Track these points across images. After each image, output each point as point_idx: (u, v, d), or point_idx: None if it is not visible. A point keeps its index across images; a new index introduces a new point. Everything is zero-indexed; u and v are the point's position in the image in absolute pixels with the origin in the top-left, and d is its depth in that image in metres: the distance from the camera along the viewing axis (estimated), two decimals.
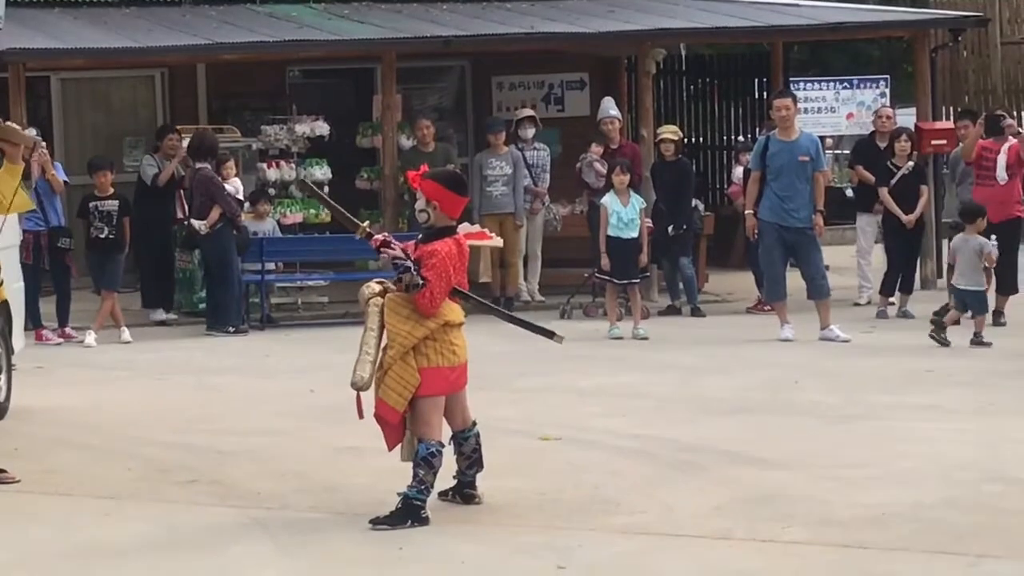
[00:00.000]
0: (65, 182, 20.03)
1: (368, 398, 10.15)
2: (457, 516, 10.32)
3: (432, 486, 10.07)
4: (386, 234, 10.41)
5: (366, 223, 11.03)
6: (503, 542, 9.73)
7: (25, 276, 16.72)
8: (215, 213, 19.41)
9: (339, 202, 22.15)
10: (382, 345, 10.11)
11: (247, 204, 20.88)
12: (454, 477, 10.55)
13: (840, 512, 10.38)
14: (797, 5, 28.56)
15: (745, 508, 10.53)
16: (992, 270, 19.93)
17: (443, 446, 10.17)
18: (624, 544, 9.71)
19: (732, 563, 9.31)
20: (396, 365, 10.00)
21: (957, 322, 18.66)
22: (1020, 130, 21.38)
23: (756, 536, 9.84)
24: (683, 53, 26.97)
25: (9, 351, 14.33)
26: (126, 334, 19.35)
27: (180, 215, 20.52)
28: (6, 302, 14.19)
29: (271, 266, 20.95)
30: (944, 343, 17.77)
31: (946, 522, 10.08)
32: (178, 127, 21.61)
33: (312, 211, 22.43)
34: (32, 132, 20.07)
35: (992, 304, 20.07)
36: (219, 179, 19.77)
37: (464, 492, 10.49)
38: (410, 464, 10.08)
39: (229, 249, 19.77)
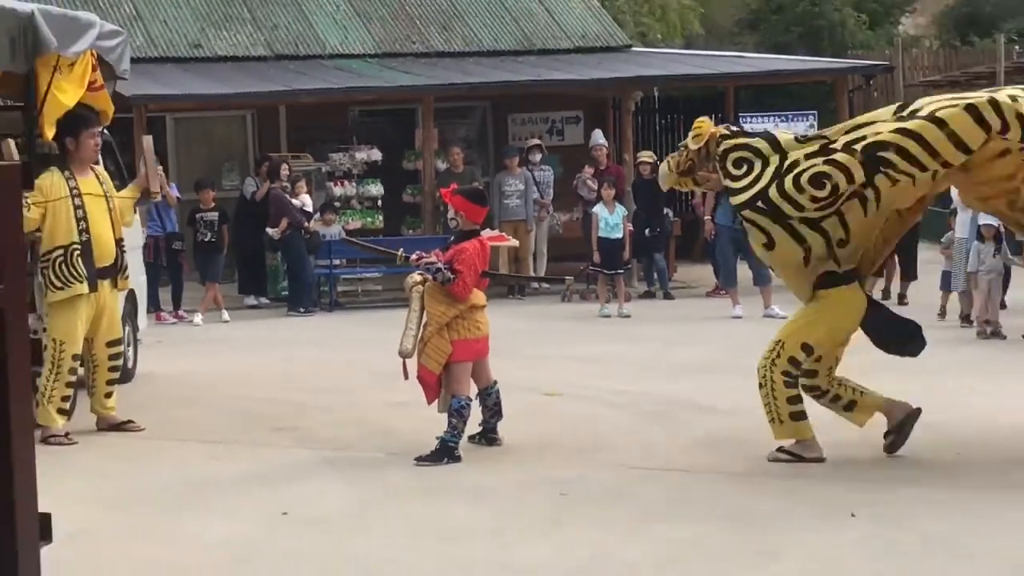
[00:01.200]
0: (178, 198, 20.10)
1: (411, 364, 10.34)
2: (483, 455, 10.38)
3: (463, 432, 10.20)
4: (418, 252, 10.53)
5: (400, 250, 11.15)
6: (518, 476, 9.76)
7: (147, 271, 16.81)
8: (284, 223, 19.57)
9: (389, 212, 22.48)
10: (423, 322, 10.25)
11: (317, 214, 20.99)
12: (480, 425, 10.64)
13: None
14: (744, 57, 28.63)
15: (705, 447, 10.58)
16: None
17: (471, 400, 10.32)
18: (611, 476, 9.76)
19: (695, 486, 9.37)
20: (434, 338, 10.18)
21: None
22: None
23: (714, 468, 9.88)
24: (656, 95, 26.88)
25: (135, 329, 14.36)
26: (225, 315, 19.44)
27: None
28: (132, 291, 14.21)
29: (337, 262, 21.01)
30: None
31: (859, 457, 10.09)
32: (276, 156, 21.66)
33: (369, 220, 22.50)
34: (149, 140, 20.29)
35: (897, 288, 20.12)
36: (287, 197, 19.91)
37: (488, 436, 10.64)
38: (445, 415, 10.20)
39: (300, 249, 19.92)
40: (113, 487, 9.55)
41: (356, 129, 23.46)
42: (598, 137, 22.59)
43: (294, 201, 20.09)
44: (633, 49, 26.90)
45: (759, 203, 9.99)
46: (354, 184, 22.57)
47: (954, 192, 18.74)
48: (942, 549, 7.75)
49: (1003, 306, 17.60)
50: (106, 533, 8.25)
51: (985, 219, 17.28)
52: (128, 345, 14.11)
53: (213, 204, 20.09)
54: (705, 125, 10.70)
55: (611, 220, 19.76)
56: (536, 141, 23.00)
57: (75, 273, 10.70)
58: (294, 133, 23.34)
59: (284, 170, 20.42)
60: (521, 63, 24.52)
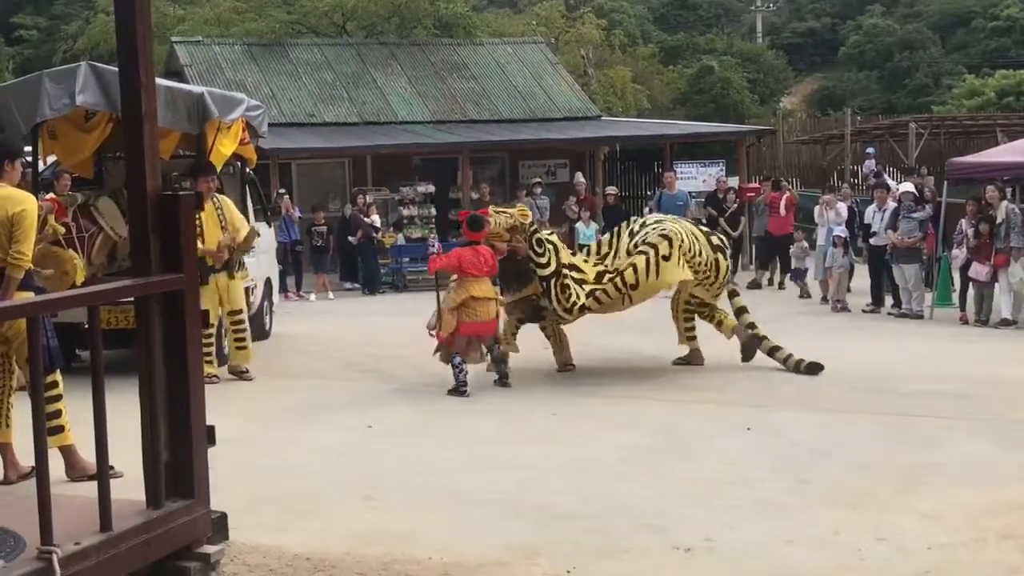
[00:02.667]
0: (299, 216, 20.09)
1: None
2: (498, 389, 10.30)
3: (462, 378, 9.92)
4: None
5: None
6: (523, 401, 9.72)
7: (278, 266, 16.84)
8: (360, 233, 19.53)
9: (440, 226, 22.47)
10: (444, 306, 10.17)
11: (391, 228, 21.09)
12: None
13: (697, 383, 10.39)
14: (676, 123, 28.51)
15: (648, 382, 10.52)
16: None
17: (463, 361, 10.02)
18: (587, 401, 9.70)
19: (642, 409, 9.32)
20: (446, 315, 10.06)
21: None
22: (790, 188, 21.37)
23: (653, 397, 9.83)
24: (618, 148, 26.79)
25: (271, 303, 14.36)
26: (330, 295, 19.38)
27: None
28: (269, 278, 14.23)
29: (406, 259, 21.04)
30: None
31: (754, 390, 10.02)
32: (356, 188, 21.65)
33: (427, 231, 22.47)
34: (283, 191, 20.23)
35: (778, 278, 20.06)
36: (361, 216, 19.83)
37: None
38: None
39: (370, 251, 19.87)
40: (253, 409, 9.52)
41: (418, 171, 23.36)
42: (579, 177, 22.51)
43: (367, 219, 20.06)
44: (602, 118, 26.80)
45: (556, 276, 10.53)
46: (416, 207, 22.53)
47: (816, 211, 18.76)
48: (807, 450, 7.72)
49: (849, 290, 17.57)
50: (249, 439, 8.23)
51: (838, 231, 17.25)
52: (266, 315, 14.12)
53: (323, 221, 20.06)
54: (527, 214, 10.82)
55: (587, 232, 19.79)
56: (537, 180, 22.84)
57: None
58: (377, 174, 23.28)
59: (360, 199, 20.42)
60: (528, 127, 24.39)
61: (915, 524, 6.01)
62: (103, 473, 4.87)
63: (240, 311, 11.03)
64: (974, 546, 5.66)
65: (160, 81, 11.33)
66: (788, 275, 19.73)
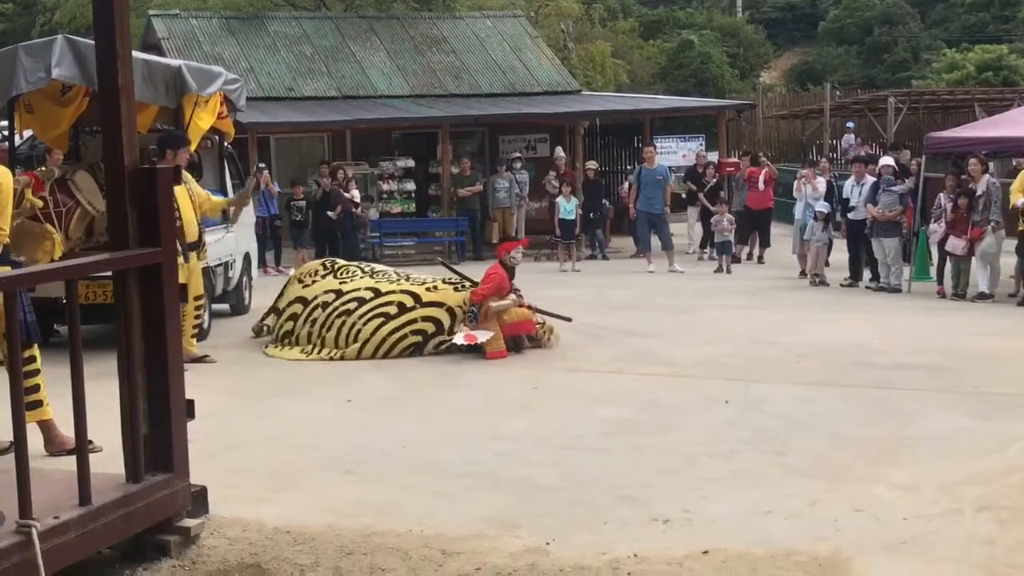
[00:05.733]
0: (278, 191, 20.00)
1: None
2: (480, 361, 10.31)
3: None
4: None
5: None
6: (503, 375, 9.72)
7: (257, 240, 16.71)
8: (339, 208, 19.47)
9: (419, 201, 22.42)
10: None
11: (370, 202, 21.05)
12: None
13: (677, 358, 10.38)
14: (656, 98, 28.50)
15: (629, 357, 10.54)
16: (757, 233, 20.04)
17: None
18: (568, 376, 9.71)
19: (623, 384, 9.33)
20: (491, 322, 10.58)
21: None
22: (769, 163, 21.42)
23: (636, 371, 9.86)
24: (598, 123, 26.73)
25: (250, 278, 14.30)
26: None
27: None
28: (248, 253, 14.17)
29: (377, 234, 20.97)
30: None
31: (732, 364, 10.08)
32: (335, 163, 21.56)
33: (405, 206, 22.47)
34: (262, 165, 20.11)
35: (757, 252, 20.12)
36: (340, 190, 19.76)
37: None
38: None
39: (350, 226, 19.77)
40: (233, 383, 9.50)
41: (397, 146, 23.29)
42: (559, 152, 22.47)
43: (346, 194, 19.98)
44: (582, 93, 26.75)
45: None
46: (396, 182, 22.53)
47: (794, 186, 18.81)
48: (785, 423, 7.74)
49: (827, 264, 17.64)
50: (229, 413, 8.23)
51: (819, 206, 17.30)
52: (246, 289, 14.07)
53: (301, 196, 19.89)
54: None
55: (567, 207, 19.74)
56: (517, 154, 22.84)
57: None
58: (356, 148, 23.14)
59: (340, 173, 20.31)
60: (508, 101, 24.29)
61: (892, 495, 6.05)
62: (82, 447, 4.87)
63: (203, 296, 10.85)
64: (950, 517, 5.70)
65: (137, 54, 11.24)
66: (756, 249, 19.92)
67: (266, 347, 11.19)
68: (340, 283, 11.26)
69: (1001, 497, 5.97)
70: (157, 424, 5.25)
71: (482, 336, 10.36)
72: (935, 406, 8.22)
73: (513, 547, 5.35)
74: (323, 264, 11.92)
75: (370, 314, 10.68)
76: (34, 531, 4.43)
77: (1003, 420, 7.72)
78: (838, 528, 5.56)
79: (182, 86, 10.81)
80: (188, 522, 5.40)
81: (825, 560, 5.13)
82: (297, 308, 11.25)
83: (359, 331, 10.61)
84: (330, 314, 10.86)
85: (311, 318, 10.99)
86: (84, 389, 4.87)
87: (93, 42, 5.36)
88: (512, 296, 10.76)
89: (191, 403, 5.49)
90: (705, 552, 5.23)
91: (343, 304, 10.87)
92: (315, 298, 11.14)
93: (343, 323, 10.72)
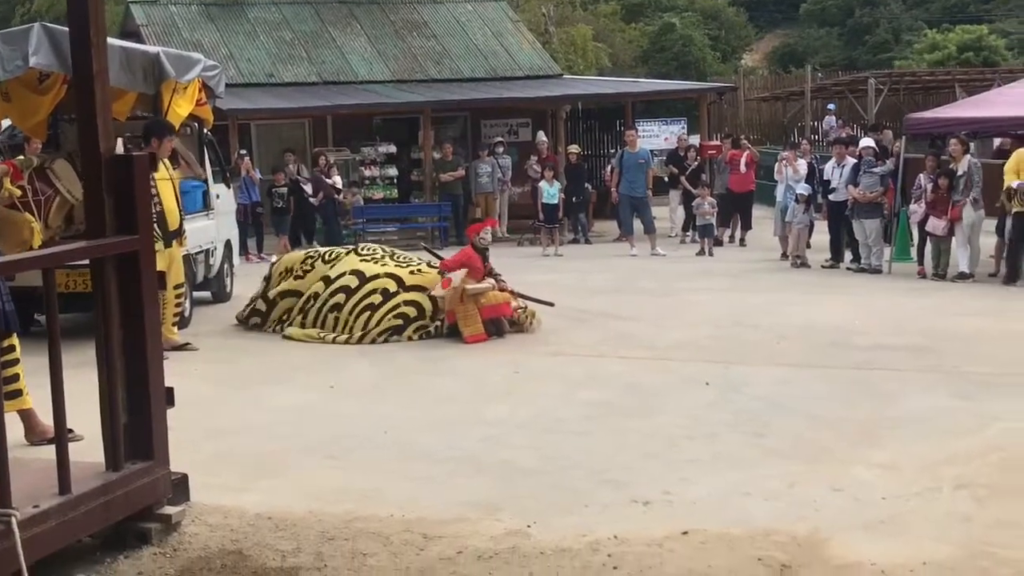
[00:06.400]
0: (259, 178, 19.94)
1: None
2: (463, 346, 10.33)
3: None
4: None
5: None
6: (486, 360, 9.74)
7: (238, 227, 16.70)
8: (321, 194, 19.43)
9: (401, 187, 22.37)
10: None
11: (353, 188, 21.02)
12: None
13: (659, 341, 10.41)
14: (637, 81, 28.47)
15: (611, 340, 10.56)
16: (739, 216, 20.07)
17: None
18: (550, 360, 9.73)
19: (605, 367, 9.36)
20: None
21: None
22: (750, 146, 21.46)
23: (617, 354, 9.88)
24: (580, 107, 26.69)
25: (232, 265, 14.27)
26: None
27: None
28: (229, 240, 14.14)
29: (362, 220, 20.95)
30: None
31: (713, 346, 10.12)
32: (316, 149, 21.53)
33: (388, 192, 22.42)
34: (243, 152, 20.05)
35: (739, 234, 20.16)
36: (323, 176, 19.71)
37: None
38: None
39: (332, 212, 19.74)
40: (216, 371, 9.50)
41: (379, 131, 23.22)
42: (541, 136, 22.42)
43: (328, 180, 19.94)
44: (564, 76, 26.72)
45: None
46: (378, 168, 22.46)
47: (776, 168, 18.83)
48: (765, 405, 7.80)
49: (809, 246, 17.68)
50: (212, 400, 8.23)
51: (800, 188, 17.32)
52: (227, 277, 14.03)
53: (283, 182, 19.74)
54: None
55: (550, 191, 19.71)
56: (499, 139, 22.80)
57: (155, 235, 10.12)
58: (337, 134, 23.07)
59: (322, 160, 20.26)
60: (489, 86, 24.25)
61: (871, 475, 6.09)
62: (61, 436, 4.86)
63: (183, 284, 10.79)
64: (929, 496, 5.74)
65: (115, 41, 11.20)
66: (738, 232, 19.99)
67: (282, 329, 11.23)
68: (329, 267, 11.25)
69: (979, 476, 6.02)
70: (136, 412, 5.24)
71: (457, 277, 10.55)
72: (915, 386, 8.26)
73: (495, 530, 5.37)
74: (311, 256, 11.78)
75: (358, 307, 10.73)
76: (13, 520, 4.43)
77: (983, 399, 7.77)
78: (817, 508, 5.59)
79: (160, 73, 10.76)
80: (169, 510, 5.40)
81: (804, 540, 5.16)
82: (291, 302, 11.26)
83: (350, 325, 10.70)
84: (321, 307, 10.93)
85: (304, 309, 11.06)
86: (62, 377, 4.86)
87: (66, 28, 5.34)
88: (490, 280, 10.76)
89: (170, 391, 5.49)
90: (685, 533, 5.25)
91: (332, 296, 10.91)
92: (308, 289, 11.18)
93: (335, 319, 10.80)
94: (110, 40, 11.06)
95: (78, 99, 5.18)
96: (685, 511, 5.59)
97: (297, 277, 11.46)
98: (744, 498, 5.78)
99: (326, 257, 11.55)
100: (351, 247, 11.88)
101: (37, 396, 6.81)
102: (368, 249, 11.66)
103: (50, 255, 5.09)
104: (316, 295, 11.06)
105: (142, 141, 9.90)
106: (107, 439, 5.19)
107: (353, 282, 10.91)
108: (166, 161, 10.26)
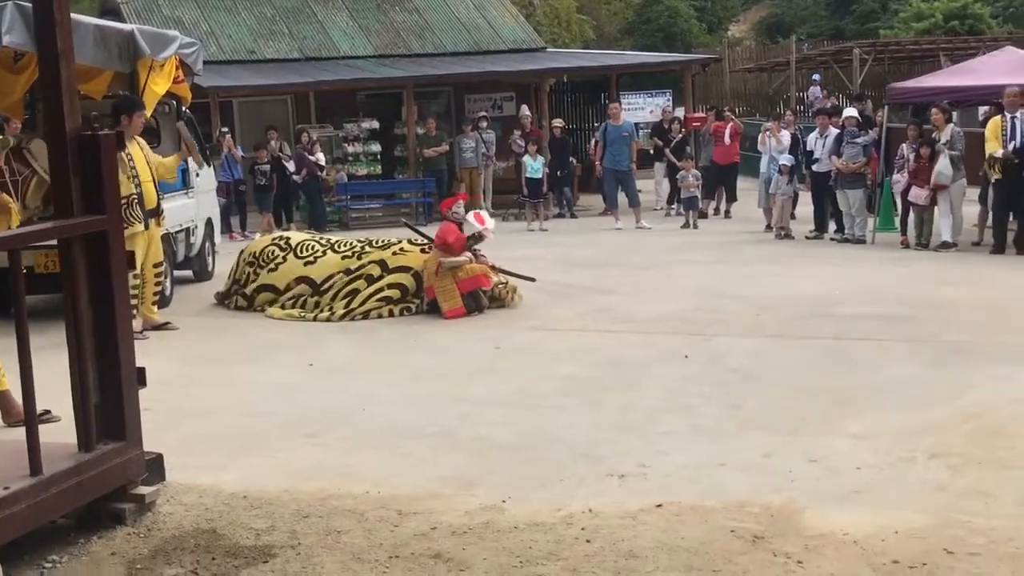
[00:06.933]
0: (242, 156, 19.87)
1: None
2: (443, 323, 10.33)
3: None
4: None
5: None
6: (466, 336, 9.75)
7: (221, 206, 16.67)
8: (304, 171, 19.38)
9: (385, 163, 22.32)
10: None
11: (337, 165, 20.99)
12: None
13: (641, 314, 10.42)
14: (622, 54, 28.40)
15: (593, 315, 10.55)
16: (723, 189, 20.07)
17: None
18: (531, 335, 9.74)
19: (585, 341, 9.37)
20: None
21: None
22: (734, 117, 21.45)
23: (597, 329, 9.88)
24: (566, 80, 26.62)
25: (213, 244, 14.24)
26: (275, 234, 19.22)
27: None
28: (210, 219, 14.10)
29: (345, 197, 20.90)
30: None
31: (694, 318, 10.12)
32: (299, 126, 21.48)
33: (371, 168, 22.37)
34: (225, 129, 19.96)
35: (724, 206, 20.17)
36: (306, 154, 19.65)
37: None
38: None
39: (315, 189, 19.72)
40: (194, 350, 9.50)
41: (362, 107, 23.14)
42: (524, 110, 22.33)
43: (311, 157, 19.88)
44: (547, 50, 26.66)
45: None
46: (361, 144, 22.40)
47: (759, 139, 18.83)
48: (743, 376, 7.80)
49: (793, 217, 17.72)
50: (189, 380, 8.22)
51: (783, 159, 17.33)
52: (209, 255, 14.00)
53: (266, 159, 19.69)
54: None
55: (534, 166, 19.72)
56: (483, 113, 22.72)
57: (135, 215, 9.95)
58: (320, 110, 22.98)
59: (304, 137, 20.21)
60: (473, 60, 24.19)
61: (846, 445, 6.11)
62: (31, 418, 4.84)
63: (163, 263, 10.69)
64: (903, 465, 5.76)
65: (89, 19, 11.16)
66: (721, 204, 19.99)
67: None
68: (305, 264, 11.17)
69: (954, 444, 6.04)
70: (108, 392, 5.22)
71: (489, 222, 10.89)
72: (893, 355, 8.29)
73: (469, 505, 5.37)
74: (277, 244, 11.54)
75: (342, 292, 10.75)
76: None
77: (958, 367, 7.79)
78: (792, 479, 5.61)
79: (135, 50, 10.69)
80: (143, 490, 5.39)
81: (778, 511, 5.17)
82: (268, 296, 11.22)
83: (331, 307, 10.75)
84: (306, 300, 10.96)
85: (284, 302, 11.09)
86: (31, 359, 4.84)
87: None
88: (467, 254, 10.73)
89: (142, 371, 5.47)
90: (659, 505, 5.26)
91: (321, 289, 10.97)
92: (287, 287, 11.15)
93: (316, 302, 10.86)
94: (84, 18, 11.04)
95: (43, 78, 5.15)
96: (660, 484, 5.61)
97: (271, 270, 11.27)
98: (719, 470, 5.79)
99: (299, 252, 11.30)
100: (325, 242, 11.61)
101: (12, 379, 6.81)
102: (344, 245, 11.46)
103: (15, 236, 5.07)
104: (299, 296, 11.07)
105: (111, 119, 9.84)
106: (78, 420, 5.18)
107: (341, 280, 10.91)
108: (140, 140, 10.19)
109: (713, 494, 5.40)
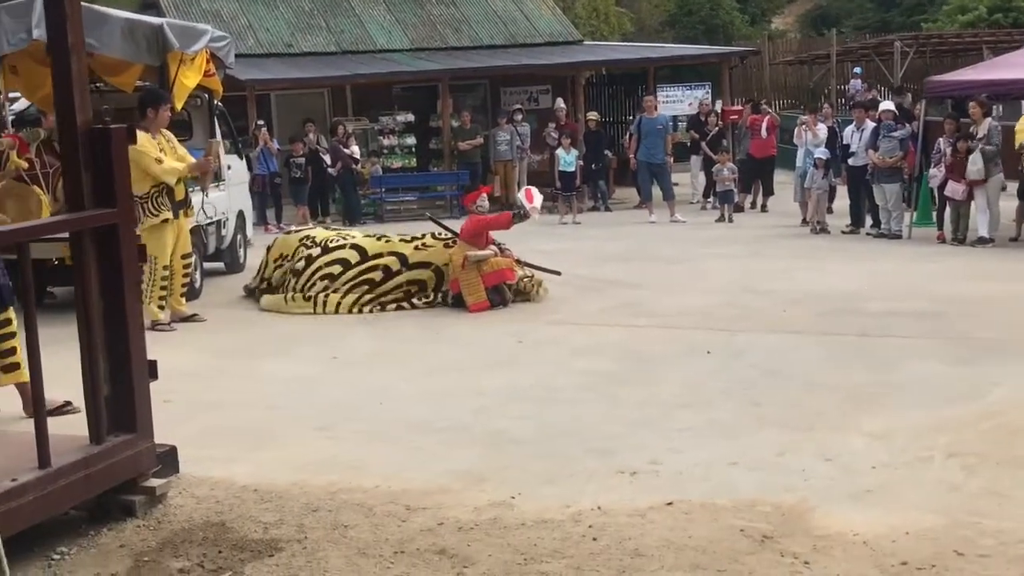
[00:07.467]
0: (277, 148, 19.96)
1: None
2: (468, 316, 10.32)
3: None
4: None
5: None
6: (490, 330, 9.73)
7: (256, 198, 16.80)
8: (339, 164, 19.41)
9: (420, 156, 22.34)
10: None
11: (372, 158, 21.04)
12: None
13: (666, 309, 10.38)
14: (660, 46, 28.25)
15: (618, 309, 10.52)
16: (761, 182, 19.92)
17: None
18: (554, 329, 9.70)
19: (609, 336, 9.33)
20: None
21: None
22: (771, 110, 21.30)
23: (621, 323, 9.83)
24: (604, 73, 26.51)
25: (245, 236, 14.30)
26: (310, 226, 19.19)
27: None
28: (242, 211, 14.17)
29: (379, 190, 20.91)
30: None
31: (720, 313, 10.05)
32: (335, 119, 21.52)
33: (406, 161, 22.39)
34: (261, 123, 20.04)
35: (760, 200, 20.03)
36: (341, 147, 19.67)
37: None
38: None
39: (350, 182, 19.73)
40: (221, 342, 9.55)
41: (397, 100, 23.17)
42: (559, 103, 22.26)
43: (346, 150, 19.91)
44: (584, 42, 26.56)
45: None
46: (396, 137, 22.46)
47: (795, 133, 18.67)
48: (764, 372, 7.75)
49: (830, 211, 17.57)
50: (212, 372, 8.27)
51: (818, 153, 17.18)
52: (240, 247, 14.07)
53: (301, 153, 19.75)
54: None
55: (567, 159, 19.68)
56: (519, 106, 22.70)
57: (164, 204, 10.01)
58: (356, 103, 23.06)
59: (340, 129, 20.24)
60: (509, 53, 24.13)
61: (862, 444, 6.04)
62: (39, 410, 4.88)
63: (191, 254, 10.72)
64: (918, 465, 5.68)
65: (118, 12, 11.24)
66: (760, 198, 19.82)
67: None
68: (324, 252, 11.13)
69: (971, 444, 5.94)
70: (118, 385, 5.25)
71: (537, 199, 10.89)
72: (918, 352, 8.18)
73: (478, 501, 5.35)
74: (305, 245, 11.43)
75: (354, 280, 10.70)
76: None
77: (984, 365, 7.68)
78: (806, 478, 5.55)
79: (164, 43, 10.75)
80: (154, 482, 5.42)
81: (788, 509, 5.12)
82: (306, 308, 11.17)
83: (340, 302, 10.68)
84: (312, 274, 10.89)
85: (295, 272, 11.05)
86: (39, 351, 4.87)
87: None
88: (492, 248, 10.72)
89: (153, 363, 5.49)
90: (669, 503, 5.22)
91: (328, 265, 10.88)
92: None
93: (325, 287, 10.77)
94: (113, 11, 11.13)
95: (54, 72, 5.16)
96: (672, 481, 5.56)
97: (295, 272, 11.17)
98: (732, 468, 5.74)
99: (326, 245, 11.22)
100: (349, 235, 11.58)
101: (45, 369, 6.85)
102: (370, 233, 11.50)
103: (27, 228, 5.11)
104: (310, 258, 10.98)
105: (138, 111, 9.92)
106: (89, 412, 5.21)
107: (353, 257, 10.86)
108: (167, 132, 10.25)
109: (724, 492, 5.35)
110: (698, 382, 7.56)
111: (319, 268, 10.85)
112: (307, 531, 5.07)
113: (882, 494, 5.30)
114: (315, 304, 10.64)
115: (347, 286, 10.68)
